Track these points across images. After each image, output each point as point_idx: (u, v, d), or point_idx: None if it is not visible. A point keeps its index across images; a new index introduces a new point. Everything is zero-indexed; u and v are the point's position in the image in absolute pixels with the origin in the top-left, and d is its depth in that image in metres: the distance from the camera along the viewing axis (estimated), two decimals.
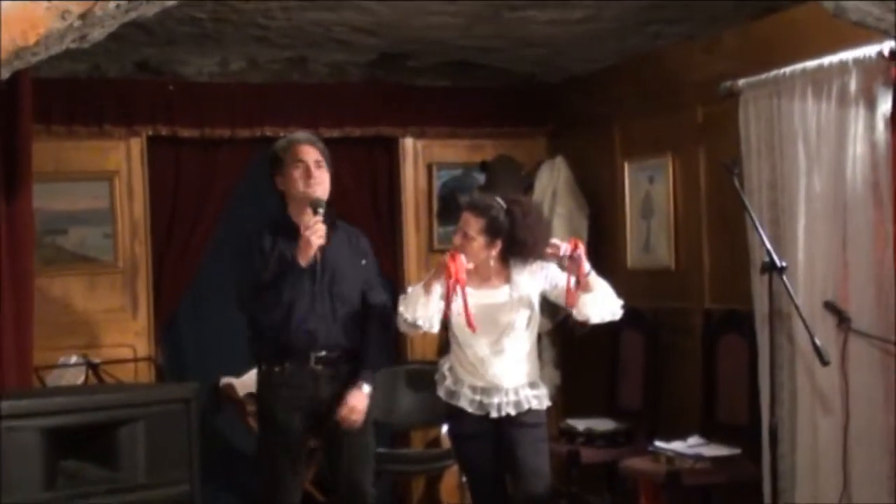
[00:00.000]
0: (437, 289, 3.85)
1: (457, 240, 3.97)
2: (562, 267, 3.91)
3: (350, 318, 4.04)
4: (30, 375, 4.37)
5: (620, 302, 3.98)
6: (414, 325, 3.88)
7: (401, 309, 3.90)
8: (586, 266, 3.86)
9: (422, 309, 3.85)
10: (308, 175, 4.02)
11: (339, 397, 3.98)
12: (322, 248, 3.93)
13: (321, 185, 4.05)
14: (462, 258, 3.83)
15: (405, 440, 6.14)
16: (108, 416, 3.81)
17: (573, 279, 3.86)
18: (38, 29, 2.50)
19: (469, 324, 3.80)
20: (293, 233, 3.97)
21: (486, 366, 3.92)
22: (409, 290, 3.97)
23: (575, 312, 3.98)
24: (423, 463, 5.76)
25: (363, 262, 4.18)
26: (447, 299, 3.80)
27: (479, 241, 3.92)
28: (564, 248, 3.84)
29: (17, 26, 2.46)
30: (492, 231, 3.92)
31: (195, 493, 3.93)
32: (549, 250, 3.89)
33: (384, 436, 5.60)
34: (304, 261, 3.89)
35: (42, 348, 4.59)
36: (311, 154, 4.07)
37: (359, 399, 4.00)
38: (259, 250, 4.01)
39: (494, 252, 3.95)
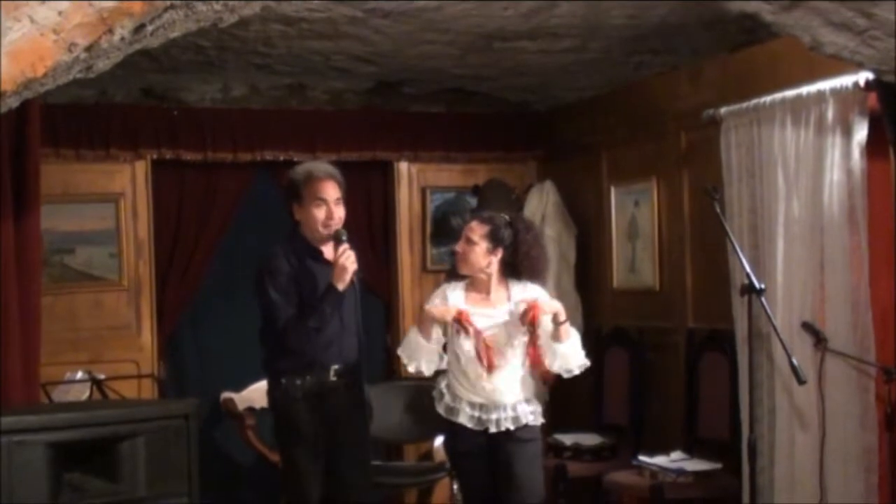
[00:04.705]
0: (434, 335, 3.99)
1: (460, 246, 4.06)
2: (522, 323, 3.98)
3: (358, 331, 4.06)
4: (37, 390, 4.46)
5: (586, 362, 4.10)
6: (417, 371, 4.05)
7: (404, 360, 4.04)
8: (562, 316, 3.97)
9: (424, 358, 4.00)
10: (329, 216, 4.02)
11: (349, 406, 4.03)
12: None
13: (340, 221, 4.05)
14: (468, 314, 3.95)
15: (398, 453, 6.22)
16: (111, 431, 3.89)
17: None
18: (46, 61, 2.49)
19: (489, 366, 3.94)
20: (315, 254, 4.03)
21: (484, 382, 3.99)
22: (406, 339, 4.07)
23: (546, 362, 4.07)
24: (416, 476, 5.81)
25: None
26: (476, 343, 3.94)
27: (482, 246, 4.02)
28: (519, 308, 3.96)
29: (27, 58, 2.46)
30: (493, 238, 4.03)
31: None
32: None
33: (378, 449, 5.67)
34: (342, 286, 3.92)
35: (49, 364, 4.67)
36: (332, 192, 4.04)
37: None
38: (282, 280, 3.98)
39: (494, 260, 4.04)
